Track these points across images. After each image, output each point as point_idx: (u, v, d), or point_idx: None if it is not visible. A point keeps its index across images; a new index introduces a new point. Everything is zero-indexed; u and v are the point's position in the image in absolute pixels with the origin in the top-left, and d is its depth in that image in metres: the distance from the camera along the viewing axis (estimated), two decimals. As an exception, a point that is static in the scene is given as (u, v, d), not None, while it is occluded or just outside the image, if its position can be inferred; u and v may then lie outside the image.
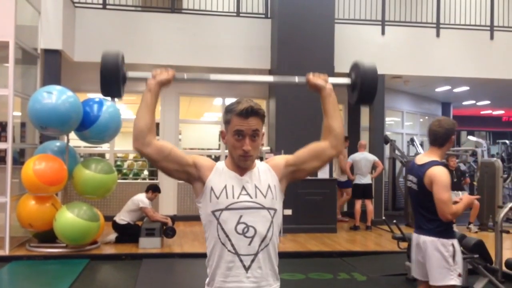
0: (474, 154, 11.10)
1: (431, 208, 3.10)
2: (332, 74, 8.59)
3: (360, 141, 8.99)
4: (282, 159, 1.96)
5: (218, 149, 10.39)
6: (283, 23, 8.48)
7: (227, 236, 1.80)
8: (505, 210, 5.20)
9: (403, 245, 5.35)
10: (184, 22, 8.82)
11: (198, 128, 10.80)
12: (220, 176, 1.86)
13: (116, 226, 6.96)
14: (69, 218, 6.10)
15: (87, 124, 6.41)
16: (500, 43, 9.68)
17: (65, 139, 6.84)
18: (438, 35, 9.49)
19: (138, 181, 10.49)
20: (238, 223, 1.79)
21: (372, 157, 8.62)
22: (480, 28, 9.66)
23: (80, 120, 6.35)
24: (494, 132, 20.54)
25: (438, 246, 3.08)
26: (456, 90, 11.84)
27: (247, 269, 1.79)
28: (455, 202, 3.19)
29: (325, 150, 1.95)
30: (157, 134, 10.06)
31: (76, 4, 8.35)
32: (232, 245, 1.79)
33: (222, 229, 1.80)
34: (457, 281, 3.07)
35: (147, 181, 9.98)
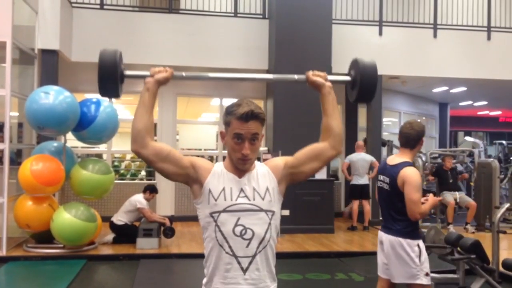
0: (471, 154, 11.12)
1: (401, 208, 3.21)
2: (330, 74, 8.57)
3: (357, 142, 9.00)
4: (281, 160, 1.96)
5: (216, 149, 10.39)
6: (281, 24, 8.48)
7: (224, 238, 1.79)
8: (502, 210, 5.21)
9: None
10: (182, 22, 8.82)
11: (196, 129, 10.78)
12: (218, 178, 1.85)
13: (114, 227, 6.95)
14: (67, 218, 6.09)
15: (84, 125, 6.40)
16: (497, 44, 9.70)
17: (62, 139, 6.83)
18: (435, 35, 9.51)
19: (136, 181, 10.48)
20: (236, 225, 1.79)
21: (370, 158, 8.62)
22: (477, 29, 9.69)
23: (77, 120, 6.34)
24: (491, 132, 20.57)
25: (404, 246, 3.19)
26: (453, 90, 11.87)
27: (244, 271, 1.79)
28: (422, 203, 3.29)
29: (324, 151, 1.95)
30: (155, 134, 10.13)
31: (74, 4, 8.34)
32: (230, 247, 1.79)
33: (220, 231, 1.80)
34: (424, 281, 3.19)
35: (145, 181, 9.97)
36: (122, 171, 11.10)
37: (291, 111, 8.30)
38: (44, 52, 7.48)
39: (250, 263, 1.80)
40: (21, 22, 7.09)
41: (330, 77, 2.03)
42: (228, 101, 9.62)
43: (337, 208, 9.94)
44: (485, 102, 14.99)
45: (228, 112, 1.83)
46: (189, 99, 10.44)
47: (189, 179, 1.88)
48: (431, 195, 3.36)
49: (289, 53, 8.37)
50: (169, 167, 1.85)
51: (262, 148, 8.44)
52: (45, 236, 6.39)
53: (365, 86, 2.08)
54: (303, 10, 8.43)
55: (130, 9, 9.19)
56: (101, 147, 9.51)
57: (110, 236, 6.99)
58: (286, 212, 7.73)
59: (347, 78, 2.17)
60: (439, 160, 9.74)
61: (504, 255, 5.42)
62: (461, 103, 14.88)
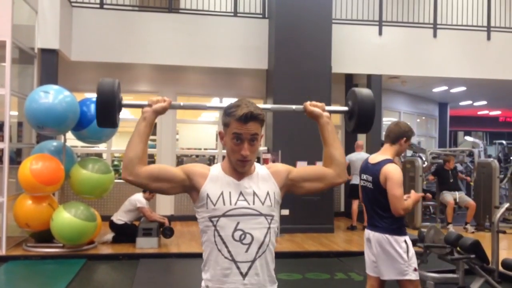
0: (471, 154, 11.12)
1: (386, 205, 3.26)
2: (330, 74, 8.61)
3: (357, 141, 9.00)
4: (284, 168, 1.95)
5: (215, 149, 10.38)
6: (281, 23, 8.47)
7: (224, 242, 1.78)
8: (502, 210, 5.22)
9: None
10: (181, 22, 8.81)
11: (196, 128, 10.77)
12: (216, 182, 1.84)
13: (114, 226, 6.95)
14: (66, 218, 6.09)
15: (84, 124, 6.40)
16: (497, 44, 9.70)
17: (62, 138, 6.83)
18: (435, 35, 9.51)
19: (135, 181, 10.45)
20: (235, 230, 1.78)
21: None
22: (477, 29, 9.69)
23: (77, 119, 6.34)
24: (491, 132, 20.57)
25: (392, 242, 3.24)
26: (453, 90, 11.87)
27: (244, 276, 1.78)
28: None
29: (329, 176, 1.96)
30: (154, 134, 10.11)
31: (73, 4, 8.33)
32: (229, 251, 1.78)
33: (219, 235, 1.79)
34: (412, 276, 3.23)
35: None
36: (121, 171, 11.08)
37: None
38: (43, 51, 7.48)
39: (250, 268, 1.78)
40: (21, 22, 7.09)
41: (328, 108, 2.04)
42: (228, 101, 9.59)
43: (337, 208, 9.94)
44: (484, 102, 15.00)
45: (227, 113, 1.81)
46: (188, 99, 10.43)
47: (186, 189, 1.87)
48: (412, 191, 3.42)
49: (288, 53, 8.37)
50: (163, 184, 1.84)
51: (262, 148, 8.43)
52: (44, 236, 6.38)
53: (363, 118, 2.09)
54: (303, 10, 8.43)
55: (130, 8, 9.18)
56: (101, 147, 9.51)
57: (110, 235, 6.99)
58: (286, 212, 7.75)
59: (345, 108, 2.19)
60: (438, 160, 9.74)
61: (503, 255, 5.43)
62: (461, 103, 14.89)
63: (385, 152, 3.44)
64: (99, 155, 10.03)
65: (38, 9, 7.41)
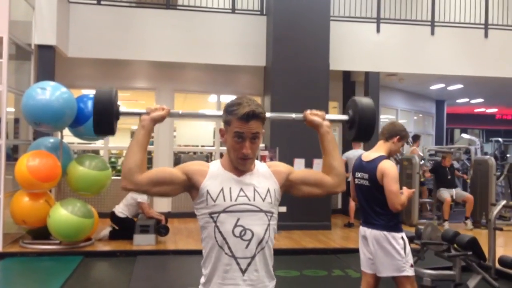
0: (467, 152, 11.15)
1: (383, 202, 3.29)
2: (327, 71, 8.61)
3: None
4: (285, 168, 1.96)
5: (213, 146, 10.38)
6: (279, 20, 8.46)
7: (224, 238, 1.79)
8: (498, 207, 5.23)
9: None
10: (179, 18, 8.79)
11: (193, 125, 10.77)
12: (215, 179, 1.84)
13: (115, 218, 6.93)
14: (63, 214, 6.08)
15: (81, 120, 6.38)
16: (494, 41, 9.71)
17: (59, 135, 6.81)
18: (433, 33, 9.51)
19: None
20: (236, 225, 1.78)
21: (366, 155, 8.62)
22: (474, 26, 9.69)
23: (74, 116, 6.31)
24: (488, 130, 20.62)
25: (389, 239, 3.27)
26: (450, 88, 11.89)
27: (243, 272, 1.79)
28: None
29: (328, 185, 1.96)
30: (152, 131, 10.04)
31: (70, 0, 8.30)
32: (229, 247, 1.78)
33: (220, 231, 1.79)
34: (409, 272, 3.27)
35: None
36: (119, 167, 11.09)
37: (289, 107, 8.18)
38: (40, 47, 7.44)
39: (249, 264, 1.79)
40: (17, 18, 7.05)
41: (328, 116, 2.03)
42: (226, 98, 9.60)
43: (334, 205, 9.95)
44: (481, 100, 15.03)
45: (229, 111, 1.80)
46: (186, 96, 10.42)
47: (186, 188, 1.87)
48: (405, 188, 3.43)
49: (286, 50, 8.36)
50: (164, 188, 1.84)
51: (260, 145, 8.43)
52: (41, 232, 6.37)
53: (363, 127, 2.08)
54: (301, 7, 8.42)
55: (127, 4, 9.15)
56: (98, 143, 9.49)
57: (107, 231, 6.97)
58: (283, 209, 7.73)
59: (345, 117, 2.17)
60: (436, 158, 9.76)
61: (500, 252, 5.45)
62: (458, 101, 14.92)
63: (379, 149, 3.47)
64: (96, 151, 10.02)
65: (35, 5, 7.37)
